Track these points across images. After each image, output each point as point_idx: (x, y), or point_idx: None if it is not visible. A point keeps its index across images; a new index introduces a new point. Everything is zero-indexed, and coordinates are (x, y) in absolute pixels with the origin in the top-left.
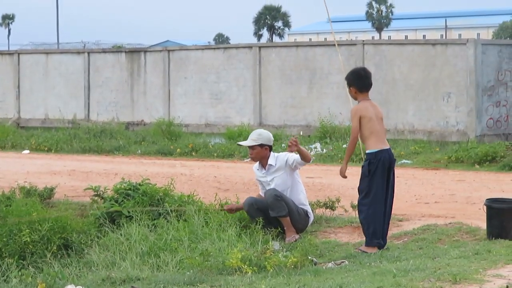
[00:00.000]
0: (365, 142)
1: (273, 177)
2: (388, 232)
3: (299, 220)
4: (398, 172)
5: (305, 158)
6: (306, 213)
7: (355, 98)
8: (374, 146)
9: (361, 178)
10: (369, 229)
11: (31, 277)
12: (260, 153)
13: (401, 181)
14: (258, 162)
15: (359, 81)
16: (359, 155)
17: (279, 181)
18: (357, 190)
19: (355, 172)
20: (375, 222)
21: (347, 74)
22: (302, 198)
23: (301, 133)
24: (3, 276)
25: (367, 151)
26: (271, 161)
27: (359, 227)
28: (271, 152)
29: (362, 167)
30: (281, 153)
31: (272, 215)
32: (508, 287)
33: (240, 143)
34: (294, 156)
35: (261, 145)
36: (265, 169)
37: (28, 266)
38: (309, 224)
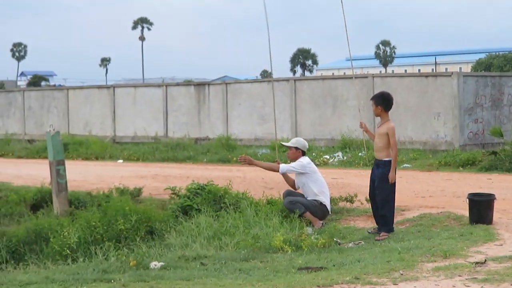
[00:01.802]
0: (386, 152)
1: (297, 177)
2: (394, 219)
3: (317, 210)
4: (400, 173)
5: (268, 170)
6: (320, 203)
7: (378, 115)
8: (390, 155)
9: (383, 183)
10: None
11: (125, 256)
12: (294, 154)
13: (403, 180)
14: None
15: (388, 103)
16: (371, 160)
17: (297, 179)
18: (380, 189)
19: (367, 174)
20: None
21: (375, 95)
22: (315, 191)
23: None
24: (104, 255)
25: (388, 159)
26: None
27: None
28: (303, 157)
29: (382, 171)
30: (305, 159)
31: (296, 215)
32: (486, 260)
33: (282, 143)
34: (286, 165)
35: (296, 148)
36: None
37: (122, 247)
38: (328, 210)
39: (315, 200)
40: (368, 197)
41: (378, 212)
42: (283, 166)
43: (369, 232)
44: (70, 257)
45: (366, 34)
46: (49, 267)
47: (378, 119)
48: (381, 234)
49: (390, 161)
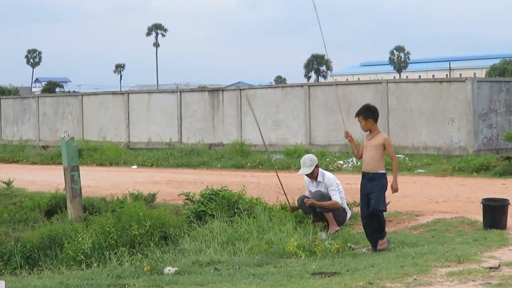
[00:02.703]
0: (381, 164)
1: (318, 188)
2: (408, 224)
3: (339, 215)
4: (415, 179)
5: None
6: (344, 210)
7: (369, 129)
8: (384, 168)
9: (381, 192)
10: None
11: (139, 261)
12: (316, 172)
13: (417, 186)
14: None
15: (376, 114)
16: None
17: (321, 188)
18: (376, 200)
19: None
20: None
21: (362, 110)
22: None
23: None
24: (118, 261)
25: (383, 172)
26: (319, 178)
27: (386, 220)
28: (319, 169)
29: (378, 183)
30: (326, 173)
31: (318, 210)
32: (500, 265)
33: (302, 173)
34: (334, 196)
35: (316, 166)
36: (315, 181)
37: (136, 253)
38: (347, 218)
39: (341, 206)
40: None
41: (372, 224)
42: (337, 199)
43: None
44: (84, 263)
45: (380, 39)
46: (63, 273)
47: (393, 126)
48: (380, 243)
49: (385, 173)
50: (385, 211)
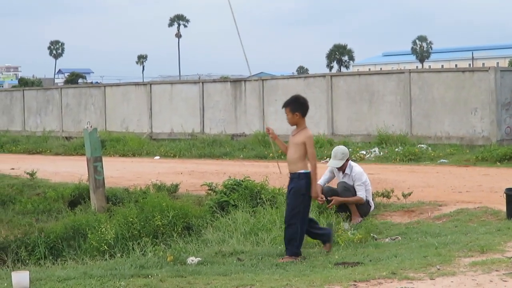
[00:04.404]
0: (302, 163)
1: (343, 179)
2: (431, 214)
3: (362, 208)
4: (437, 169)
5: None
6: (368, 202)
7: (295, 123)
8: (307, 167)
9: (296, 196)
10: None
11: (162, 252)
12: (345, 165)
13: (440, 176)
14: None
15: (305, 108)
16: (408, 156)
17: (347, 180)
18: (290, 205)
19: (404, 169)
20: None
21: (290, 101)
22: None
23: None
24: (141, 251)
25: (303, 171)
26: (347, 170)
27: (409, 211)
28: (349, 162)
29: (294, 186)
30: (355, 166)
31: (333, 210)
32: None
33: (332, 165)
34: (359, 192)
35: (347, 160)
36: (343, 173)
37: (160, 243)
38: (371, 211)
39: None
40: (405, 192)
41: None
42: (362, 194)
43: (392, 239)
44: (107, 253)
45: (402, 29)
46: (87, 263)
47: (415, 116)
48: (284, 258)
49: (307, 173)
50: (300, 226)
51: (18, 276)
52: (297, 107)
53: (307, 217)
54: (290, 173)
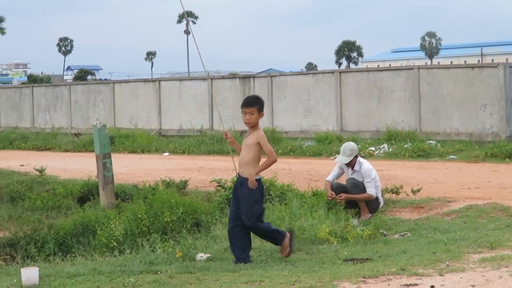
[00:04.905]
0: (253, 166)
1: (352, 175)
2: (440, 210)
3: (371, 203)
4: (447, 165)
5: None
6: (377, 198)
7: (255, 124)
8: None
9: (253, 202)
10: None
11: (171, 248)
12: (354, 161)
13: (449, 172)
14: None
15: (263, 107)
16: (417, 152)
17: (357, 176)
18: (245, 214)
19: (413, 165)
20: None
21: (253, 101)
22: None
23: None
24: (150, 247)
25: (259, 177)
26: (356, 167)
27: (418, 207)
28: (358, 158)
29: (251, 191)
30: (364, 163)
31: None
32: None
33: (340, 161)
34: (368, 189)
35: (355, 156)
36: (352, 170)
37: (169, 239)
38: (380, 207)
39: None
40: (414, 188)
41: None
42: (372, 191)
43: (401, 235)
44: (117, 249)
45: (411, 25)
46: (96, 259)
47: (424, 112)
48: (282, 249)
49: (258, 179)
50: (261, 223)
51: (27, 272)
52: (262, 107)
53: (264, 215)
54: (242, 177)
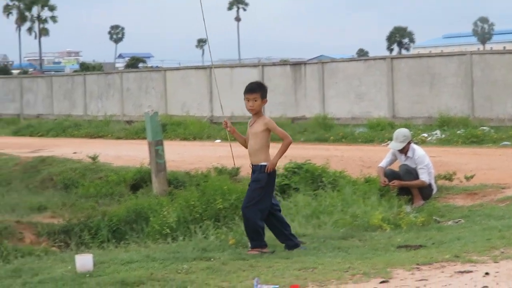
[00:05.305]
0: (264, 155)
1: (405, 162)
2: (494, 197)
3: (424, 190)
4: (500, 151)
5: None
6: (430, 185)
7: (258, 111)
8: (269, 159)
9: (256, 186)
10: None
11: (224, 235)
12: (407, 148)
13: (503, 158)
14: None
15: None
16: (470, 138)
17: (409, 162)
18: (249, 196)
19: (466, 152)
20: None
21: (257, 87)
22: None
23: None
24: (203, 234)
25: (265, 164)
26: (409, 153)
27: (472, 193)
28: (411, 144)
29: (258, 177)
30: (417, 149)
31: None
32: None
33: (393, 147)
34: (421, 175)
35: (408, 143)
36: (405, 156)
37: (221, 226)
38: (433, 193)
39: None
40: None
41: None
42: (425, 178)
43: (455, 222)
44: (170, 236)
45: (463, 11)
46: (149, 246)
47: (477, 98)
48: (249, 250)
49: (266, 166)
50: (258, 217)
51: (82, 259)
52: (265, 93)
53: (267, 210)
54: (252, 165)
